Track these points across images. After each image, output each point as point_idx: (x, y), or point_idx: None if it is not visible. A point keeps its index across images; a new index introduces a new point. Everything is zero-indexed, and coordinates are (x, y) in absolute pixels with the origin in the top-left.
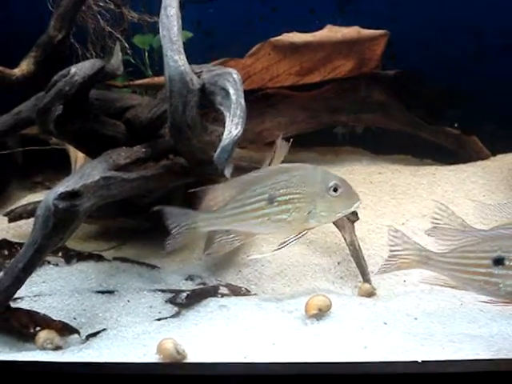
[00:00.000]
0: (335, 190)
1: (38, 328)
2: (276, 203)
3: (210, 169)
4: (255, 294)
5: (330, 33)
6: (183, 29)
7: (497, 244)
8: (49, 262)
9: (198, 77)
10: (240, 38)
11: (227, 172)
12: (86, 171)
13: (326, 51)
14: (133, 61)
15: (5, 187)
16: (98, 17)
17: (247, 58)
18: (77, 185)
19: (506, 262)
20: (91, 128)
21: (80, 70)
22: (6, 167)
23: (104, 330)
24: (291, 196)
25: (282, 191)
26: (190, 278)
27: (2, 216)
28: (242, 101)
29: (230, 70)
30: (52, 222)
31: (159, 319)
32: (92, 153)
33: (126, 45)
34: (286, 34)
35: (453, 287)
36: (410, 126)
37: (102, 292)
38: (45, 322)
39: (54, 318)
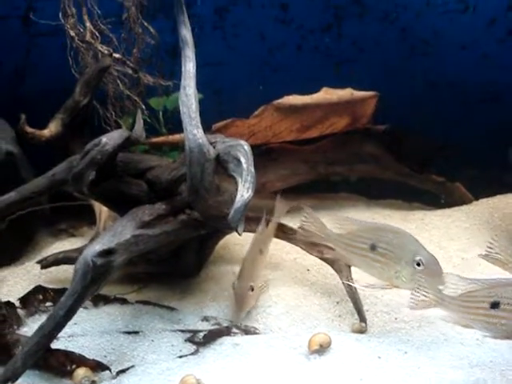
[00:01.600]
0: (418, 264)
1: (73, 366)
2: (376, 252)
3: (222, 223)
4: (264, 333)
5: (326, 95)
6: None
7: (494, 291)
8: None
9: (213, 147)
10: (244, 98)
11: (240, 229)
12: (117, 230)
13: (323, 111)
14: (148, 120)
15: (33, 234)
16: (118, 81)
17: (252, 119)
18: (111, 243)
19: (501, 306)
20: (118, 188)
21: (110, 139)
22: (34, 216)
23: (132, 366)
24: (387, 252)
25: (382, 244)
26: (206, 318)
27: (33, 262)
28: (252, 169)
29: (242, 142)
30: (90, 275)
31: (180, 357)
32: (118, 209)
33: (143, 106)
34: (286, 97)
35: (463, 325)
36: (400, 175)
37: (129, 332)
38: (80, 361)
39: (88, 357)
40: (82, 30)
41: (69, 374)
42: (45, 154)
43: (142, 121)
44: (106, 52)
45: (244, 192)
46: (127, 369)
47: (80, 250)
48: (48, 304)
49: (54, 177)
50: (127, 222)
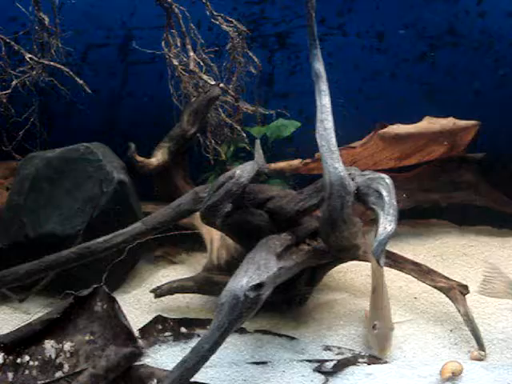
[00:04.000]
0: None
1: None
2: None
3: (349, 253)
4: (387, 362)
5: (429, 124)
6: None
7: None
8: (198, 335)
9: (352, 180)
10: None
11: (382, 261)
12: (260, 262)
13: (425, 140)
14: (248, 148)
15: (136, 262)
16: (219, 110)
17: (358, 147)
18: (262, 277)
19: None
20: (244, 219)
21: (243, 171)
22: (138, 244)
23: None
24: None
25: None
26: (328, 348)
27: (140, 290)
28: (395, 202)
29: (382, 175)
30: (239, 309)
31: None
32: (239, 239)
33: (244, 134)
34: (391, 126)
35: None
36: (496, 203)
37: (257, 363)
38: None
39: None
40: (185, 59)
41: None
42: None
43: (261, 151)
44: (209, 81)
45: (387, 225)
46: None
47: (195, 280)
48: (167, 334)
49: (180, 207)
50: (266, 254)
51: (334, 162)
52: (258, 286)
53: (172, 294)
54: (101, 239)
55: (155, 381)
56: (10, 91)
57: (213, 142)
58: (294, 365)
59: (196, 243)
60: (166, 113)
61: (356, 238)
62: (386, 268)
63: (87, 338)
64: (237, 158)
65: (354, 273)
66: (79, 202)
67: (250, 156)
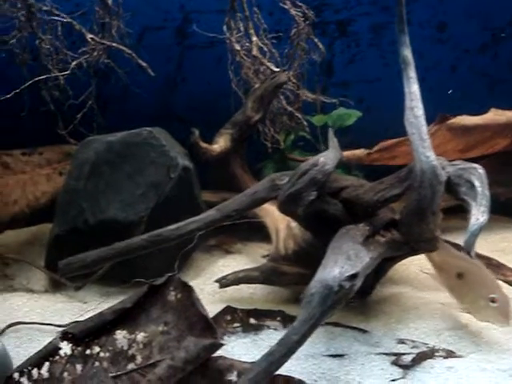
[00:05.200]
0: None
1: None
2: None
3: (429, 245)
4: (462, 356)
5: (495, 116)
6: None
7: None
8: (268, 327)
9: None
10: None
11: (473, 253)
12: (349, 252)
13: (490, 132)
14: (308, 137)
15: (193, 251)
16: (281, 97)
17: None
18: (356, 267)
19: None
20: (321, 208)
21: (327, 159)
22: None
23: None
24: None
25: None
26: (402, 341)
27: (199, 280)
28: (487, 192)
29: (475, 165)
30: (331, 300)
31: (393, 380)
32: (313, 229)
33: (305, 122)
34: (459, 117)
35: None
36: None
37: (334, 356)
38: None
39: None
40: (247, 44)
41: None
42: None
43: (335, 139)
44: (272, 67)
45: (479, 215)
46: None
47: (261, 270)
48: (236, 325)
49: (255, 195)
50: (352, 244)
51: (425, 150)
52: (353, 277)
53: (237, 284)
54: (173, 226)
55: (235, 373)
56: (69, 72)
57: (271, 129)
58: (371, 358)
59: (251, 233)
60: (222, 99)
61: (437, 229)
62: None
63: (161, 328)
64: (295, 147)
65: (416, 266)
66: (141, 188)
67: (309, 145)
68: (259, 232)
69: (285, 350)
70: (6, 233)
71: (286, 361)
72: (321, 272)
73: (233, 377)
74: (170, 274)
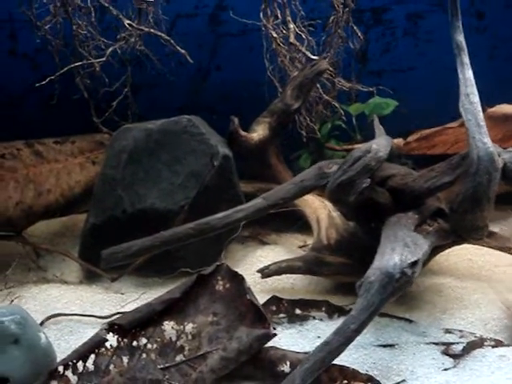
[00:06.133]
0: None
1: (345, 381)
2: None
3: (479, 234)
4: (510, 345)
5: None
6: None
7: None
8: (314, 317)
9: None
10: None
11: None
12: (406, 240)
13: None
14: (343, 126)
15: (229, 242)
16: (317, 85)
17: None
18: (416, 255)
19: None
20: (369, 196)
21: (379, 146)
22: None
23: (403, 381)
24: None
25: None
26: (449, 331)
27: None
28: None
29: None
30: (391, 288)
31: (445, 369)
32: (360, 219)
33: (342, 111)
34: (499, 106)
35: None
36: None
37: (384, 346)
38: (353, 376)
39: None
40: (284, 31)
41: None
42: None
43: (381, 127)
44: (310, 55)
45: None
46: (397, 383)
47: (304, 260)
48: (281, 315)
49: (303, 183)
50: (407, 231)
51: (482, 136)
52: (414, 264)
53: (279, 274)
54: (220, 214)
55: (288, 363)
56: (104, 59)
57: (307, 118)
58: (421, 347)
59: (284, 224)
60: (254, 87)
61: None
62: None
63: (210, 319)
64: (330, 136)
65: (456, 256)
66: (181, 177)
67: (344, 134)
68: (292, 223)
69: (342, 339)
70: (37, 223)
71: (343, 350)
72: (379, 260)
73: (285, 367)
74: (217, 264)
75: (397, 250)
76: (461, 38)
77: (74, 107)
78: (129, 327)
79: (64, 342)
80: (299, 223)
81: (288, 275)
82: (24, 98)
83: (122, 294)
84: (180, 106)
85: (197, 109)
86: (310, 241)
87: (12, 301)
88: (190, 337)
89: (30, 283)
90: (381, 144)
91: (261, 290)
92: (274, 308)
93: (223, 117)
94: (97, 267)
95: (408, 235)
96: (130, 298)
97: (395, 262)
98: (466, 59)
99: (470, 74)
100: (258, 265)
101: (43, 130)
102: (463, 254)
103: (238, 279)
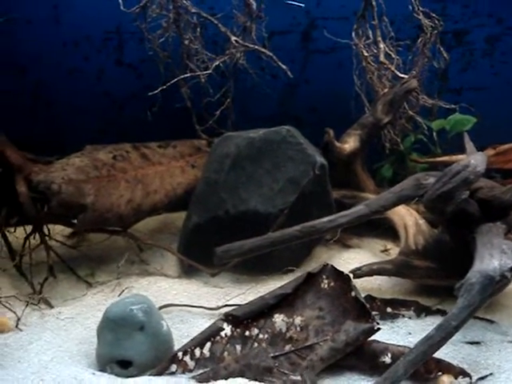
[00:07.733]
0: None
1: (439, 373)
2: None
3: None
4: None
5: None
6: None
7: None
8: (403, 316)
9: None
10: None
11: None
12: (502, 247)
13: None
14: (424, 140)
15: (316, 244)
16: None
17: None
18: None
19: None
20: (461, 207)
21: (477, 161)
22: None
23: (491, 374)
24: None
25: None
26: None
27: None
28: None
29: None
30: (491, 289)
31: None
32: (451, 228)
33: (425, 126)
34: None
35: None
36: None
37: (471, 343)
38: (447, 369)
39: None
40: (374, 50)
41: (430, 381)
42: None
43: (471, 143)
44: (398, 73)
45: None
46: (485, 376)
47: (394, 263)
48: (374, 313)
49: (401, 193)
50: (501, 239)
51: None
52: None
53: (371, 275)
54: (325, 219)
55: (389, 355)
56: (210, 71)
57: (391, 131)
58: (506, 345)
59: (365, 229)
60: (340, 102)
61: None
62: None
63: (316, 313)
64: (412, 150)
65: None
66: (280, 183)
67: (424, 147)
68: (372, 228)
69: (443, 335)
70: None
71: (443, 345)
72: (478, 264)
73: (387, 359)
74: (324, 264)
75: (495, 255)
76: None
77: (173, 114)
78: (243, 318)
79: (176, 330)
80: (379, 229)
81: (375, 277)
82: (127, 103)
83: (221, 288)
84: (269, 116)
85: (285, 119)
86: (389, 245)
87: (122, 291)
88: (298, 329)
89: (133, 275)
90: (478, 159)
91: None
92: (367, 306)
93: (309, 127)
94: (197, 263)
95: (503, 242)
96: (232, 293)
97: (495, 266)
98: None
99: None
100: (345, 266)
101: (145, 133)
102: None
103: (343, 278)
